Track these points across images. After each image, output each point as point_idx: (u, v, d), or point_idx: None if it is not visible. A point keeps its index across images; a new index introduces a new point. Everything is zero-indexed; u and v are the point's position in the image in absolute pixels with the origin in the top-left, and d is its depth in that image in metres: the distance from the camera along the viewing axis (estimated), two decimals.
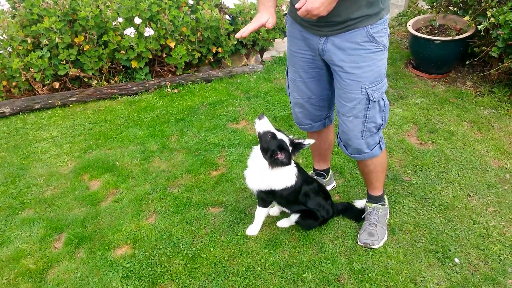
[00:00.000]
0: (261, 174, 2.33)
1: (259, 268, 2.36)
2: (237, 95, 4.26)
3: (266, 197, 2.46)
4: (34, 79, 4.21)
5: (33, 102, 4.16)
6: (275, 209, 2.71)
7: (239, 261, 2.41)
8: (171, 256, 2.46)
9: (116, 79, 4.53)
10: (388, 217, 2.65)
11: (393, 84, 4.26)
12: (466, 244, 2.49)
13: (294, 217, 2.51)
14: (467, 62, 4.13)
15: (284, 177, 2.36)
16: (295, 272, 2.32)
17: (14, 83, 4.26)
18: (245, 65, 4.83)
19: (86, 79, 4.42)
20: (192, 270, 2.36)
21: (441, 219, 2.68)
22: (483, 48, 3.90)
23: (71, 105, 4.25)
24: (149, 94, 4.38)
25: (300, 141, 2.28)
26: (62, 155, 3.49)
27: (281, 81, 4.44)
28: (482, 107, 3.81)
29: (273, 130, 2.23)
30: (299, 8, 1.70)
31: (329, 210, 2.55)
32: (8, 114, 4.09)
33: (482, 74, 4.12)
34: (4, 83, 4.27)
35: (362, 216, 2.63)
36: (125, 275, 2.35)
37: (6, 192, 3.06)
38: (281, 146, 2.20)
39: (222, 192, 2.95)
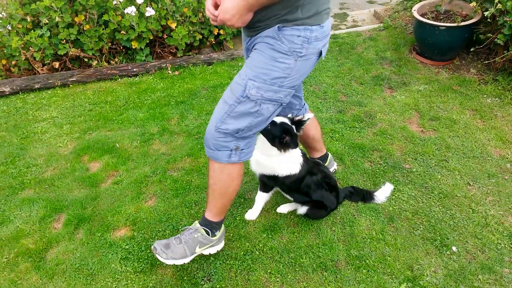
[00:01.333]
0: (266, 159, 2.31)
1: (257, 252, 2.38)
2: None
3: (268, 182, 2.45)
4: (34, 58, 4.17)
5: (33, 81, 4.13)
6: (283, 207, 2.67)
7: (238, 245, 2.42)
8: None
9: (116, 59, 4.49)
10: (206, 252, 2.26)
11: (396, 70, 4.21)
12: (464, 233, 2.49)
13: (303, 209, 2.50)
14: (471, 49, 4.08)
15: (289, 164, 2.35)
16: (293, 257, 2.34)
17: (13, 62, 4.23)
18: None
19: (86, 59, 4.38)
20: None
21: (440, 207, 2.68)
22: (489, 35, 3.85)
23: (71, 85, 4.22)
24: (150, 75, 4.34)
25: (299, 117, 2.25)
26: (62, 135, 3.49)
27: None
28: (485, 95, 3.77)
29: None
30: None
31: (334, 201, 2.54)
32: (8, 93, 4.07)
33: (486, 61, 4.07)
34: (4, 61, 4.24)
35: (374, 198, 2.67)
36: (124, 257, 2.36)
37: (6, 171, 3.06)
38: (285, 130, 2.18)
39: None
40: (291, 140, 2.19)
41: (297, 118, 2.25)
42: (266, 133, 2.20)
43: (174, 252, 2.10)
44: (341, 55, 4.52)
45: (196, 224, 2.20)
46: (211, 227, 2.17)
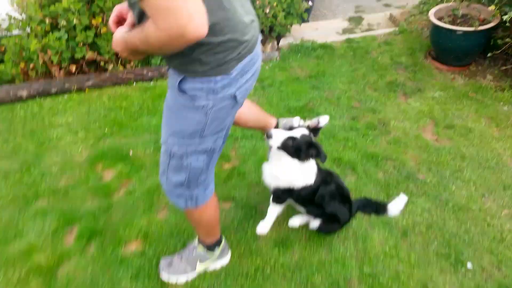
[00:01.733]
0: (284, 172, 2.27)
1: (268, 270, 2.37)
2: None
3: (282, 196, 2.40)
4: (52, 61, 4.20)
5: (49, 85, 4.17)
6: (295, 220, 2.64)
7: (249, 261, 2.42)
8: None
9: (131, 63, 4.50)
10: (211, 267, 2.33)
11: (411, 76, 4.15)
12: (480, 249, 2.46)
13: (315, 223, 2.48)
14: (488, 55, 3.98)
15: (305, 176, 2.30)
16: (305, 275, 2.32)
17: (31, 65, 4.27)
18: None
19: (102, 63, 4.40)
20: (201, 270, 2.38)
21: (455, 220, 2.64)
22: (507, 40, 3.76)
23: (87, 89, 4.25)
24: (164, 80, 4.35)
25: (315, 124, 2.21)
26: (77, 142, 3.52)
27: (297, 71, 4.37)
28: (501, 103, 3.69)
29: (289, 134, 2.16)
30: None
31: (347, 213, 2.48)
32: (25, 97, 4.12)
33: (503, 67, 3.98)
34: (22, 65, 4.28)
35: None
36: (134, 274, 2.37)
37: (20, 180, 3.10)
38: (310, 143, 2.14)
39: (234, 186, 2.94)
40: (317, 152, 2.15)
41: (313, 126, 2.21)
42: (286, 148, 2.15)
43: (175, 269, 2.18)
44: (355, 60, 4.47)
45: (196, 240, 2.24)
46: (207, 246, 2.21)
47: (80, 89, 4.25)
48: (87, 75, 4.34)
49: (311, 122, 2.30)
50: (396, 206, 2.67)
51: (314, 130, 2.20)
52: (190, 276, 2.20)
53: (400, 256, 2.42)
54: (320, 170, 2.43)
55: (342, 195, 2.48)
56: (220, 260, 2.31)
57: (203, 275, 2.34)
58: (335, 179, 2.53)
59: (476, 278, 2.29)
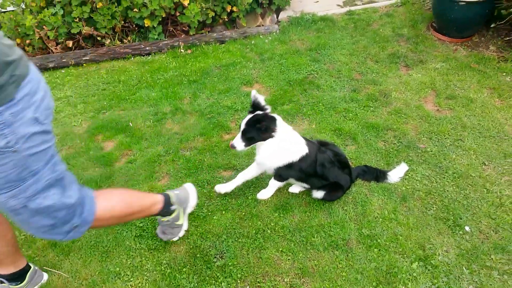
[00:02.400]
0: (271, 154, 2.32)
1: (269, 231, 2.40)
2: (251, 57, 4.17)
3: (285, 173, 2.43)
4: (48, 37, 4.18)
5: (47, 60, 4.16)
6: (295, 187, 2.66)
7: (250, 223, 2.45)
8: None
9: (129, 38, 4.47)
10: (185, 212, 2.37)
11: (413, 47, 4.11)
12: (478, 213, 2.47)
13: (319, 193, 2.50)
14: (492, 26, 3.94)
15: (297, 148, 2.34)
16: (304, 236, 2.35)
17: (28, 41, 4.25)
18: (260, 26, 4.70)
19: (99, 38, 4.38)
20: (203, 231, 2.41)
21: (454, 187, 2.65)
22: (511, 10, 3.71)
23: (84, 64, 4.24)
24: (162, 54, 4.33)
25: (255, 101, 2.26)
26: (76, 115, 3.52)
27: (297, 43, 4.33)
28: (504, 74, 3.67)
29: (239, 136, 2.25)
30: None
31: (348, 179, 2.52)
32: None
33: (507, 38, 3.94)
34: (18, 41, 4.26)
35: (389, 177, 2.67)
36: (138, 234, 2.41)
37: None
38: (254, 121, 2.20)
39: (234, 155, 2.95)
40: (267, 121, 2.18)
41: (255, 102, 2.25)
42: (248, 140, 2.24)
43: (174, 233, 2.33)
44: (357, 32, 4.42)
45: (159, 218, 2.28)
46: (161, 212, 2.19)
47: (77, 64, 4.24)
48: (84, 50, 4.32)
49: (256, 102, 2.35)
50: (396, 173, 2.69)
51: (257, 106, 2.26)
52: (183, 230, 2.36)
53: (398, 220, 2.44)
54: (310, 141, 2.46)
55: (340, 161, 2.50)
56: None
57: (205, 236, 2.38)
58: (331, 147, 2.57)
59: (473, 240, 2.32)
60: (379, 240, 2.32)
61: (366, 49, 4.15)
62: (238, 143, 2.24)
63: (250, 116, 2.23)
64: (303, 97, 3.53)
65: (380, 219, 2.44)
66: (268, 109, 2.26)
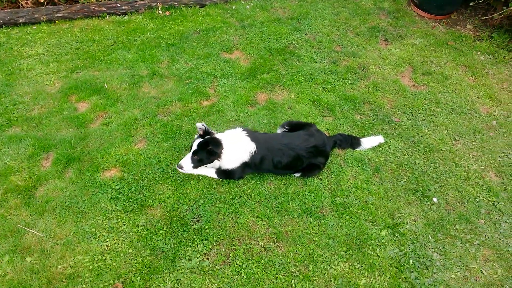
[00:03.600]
0: (226, 164, 2.44)
1: (245, 197, 2.44)
2: (232, 23, 4.09)
3: (242, 171, 2.52)
4: None
5: (17, 15, 3.94)
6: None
7: (226, 189, 2.48)
8: (160, 181, 2.50)
9: None
10: None
11: (393, 22, 4.13)
12: (446, 185, 2.58)
13: (297, 174, 2.58)
14: (471, 4, 3.99)
15: (240, 153, 2.44)
16: (280, 203, 2.41)
17: None
18: None
19: None
20: (180, 196, 2.42)
21: (425, 160, 2.75)
22: None
23: (57, 21, 4.05)
24: (139, 15, 4.18)
25: (203, 130, 2.39)
26: (48, 73, 3.39)
27: (279, 11, 4.27)
28: (479, 52, 3.76)
29: (189, 156, 2.37)
30: None
31: (323, 160, 2.59)
32: None
33: (484, 17, 4.01)
34: None
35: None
36: (114, 196, 2.40)
37: None
38: (201, 146, 2.33)
39: (212, 122, 2.94)
40: (213, 144, 2.32)
41: (204, 130, 2.38)
42: (197, 162, 2.37)
43: None
44: (338, 3, 4.39)
45: None
46: None
47: (49, 21, 4.04)
48: (57, 6, 4.12)
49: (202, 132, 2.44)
50: (369, 141, 2.77)
51: (206, 133, 2.39)
52: None
53: (370, 189, 2.52)
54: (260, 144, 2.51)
55: (318, 151, 2.56)
56: None
57: (182, 200, 2.40)
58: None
59: (440, 211, 2.43)
60: (351, 208, 2.40)
61: (347, 21, 4.14)
62: (187, 164, 2.36)
63: (200, 139, 2.36)
64: (283, 67, 3.52)
65: (353, 189, 2.52)
66: (215, 133, 2.42)
